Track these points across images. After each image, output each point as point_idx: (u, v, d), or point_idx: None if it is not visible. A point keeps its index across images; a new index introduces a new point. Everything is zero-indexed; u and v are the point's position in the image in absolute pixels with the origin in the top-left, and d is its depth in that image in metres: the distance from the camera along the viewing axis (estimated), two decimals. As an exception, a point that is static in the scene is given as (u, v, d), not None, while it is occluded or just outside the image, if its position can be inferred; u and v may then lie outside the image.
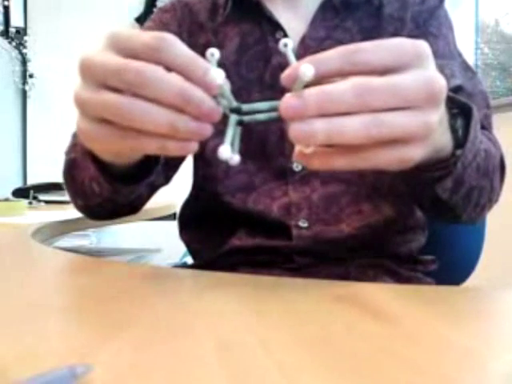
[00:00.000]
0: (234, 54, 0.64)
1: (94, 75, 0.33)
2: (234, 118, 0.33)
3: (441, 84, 0.32)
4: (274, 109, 0.34)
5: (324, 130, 0.30)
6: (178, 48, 0.32)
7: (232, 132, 0.33)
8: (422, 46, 0.32)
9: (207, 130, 0.32)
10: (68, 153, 0.57)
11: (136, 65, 0.31)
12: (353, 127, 0.30)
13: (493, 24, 2.64)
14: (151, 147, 0.33)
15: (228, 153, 0.32)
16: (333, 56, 0.31)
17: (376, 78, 0.31)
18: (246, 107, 0.34)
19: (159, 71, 0.31)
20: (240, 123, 0.34)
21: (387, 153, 0.32)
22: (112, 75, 0.32)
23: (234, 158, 0.34)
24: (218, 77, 0.31)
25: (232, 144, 0.33)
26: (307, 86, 0.30)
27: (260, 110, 0.34)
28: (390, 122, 0.31)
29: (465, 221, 0.53)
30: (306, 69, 0.30)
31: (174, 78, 0.31)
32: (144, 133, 0.32)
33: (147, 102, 0.31)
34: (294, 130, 0.30)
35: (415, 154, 0.33)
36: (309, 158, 0.33)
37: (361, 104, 0.30)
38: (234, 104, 0.34)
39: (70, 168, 0.56)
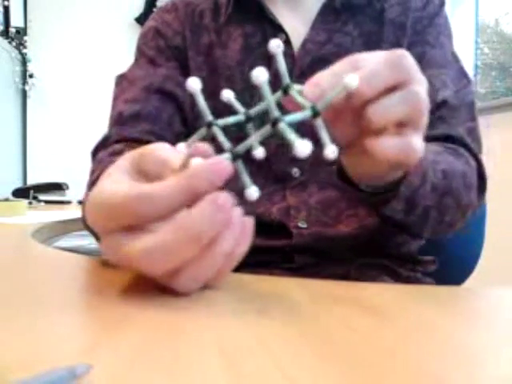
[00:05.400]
0: (238, 54, 0.64)
1: None
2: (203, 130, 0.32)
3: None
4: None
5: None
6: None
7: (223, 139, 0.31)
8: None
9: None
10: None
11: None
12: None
13: (493, 24, 2.65)
14: None
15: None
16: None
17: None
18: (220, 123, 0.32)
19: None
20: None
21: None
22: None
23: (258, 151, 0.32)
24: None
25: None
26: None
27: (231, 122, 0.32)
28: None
29: (428, 237, 0.55)
30: (351, 79, 0.30)
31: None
32: None
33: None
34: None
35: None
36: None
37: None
38: (209, 118, 0.32)
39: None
